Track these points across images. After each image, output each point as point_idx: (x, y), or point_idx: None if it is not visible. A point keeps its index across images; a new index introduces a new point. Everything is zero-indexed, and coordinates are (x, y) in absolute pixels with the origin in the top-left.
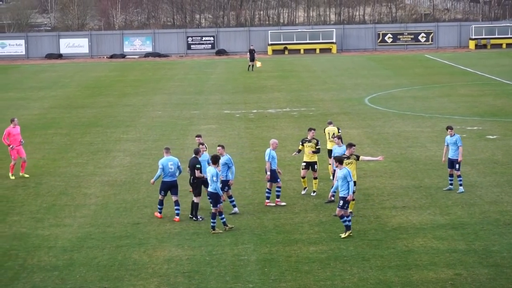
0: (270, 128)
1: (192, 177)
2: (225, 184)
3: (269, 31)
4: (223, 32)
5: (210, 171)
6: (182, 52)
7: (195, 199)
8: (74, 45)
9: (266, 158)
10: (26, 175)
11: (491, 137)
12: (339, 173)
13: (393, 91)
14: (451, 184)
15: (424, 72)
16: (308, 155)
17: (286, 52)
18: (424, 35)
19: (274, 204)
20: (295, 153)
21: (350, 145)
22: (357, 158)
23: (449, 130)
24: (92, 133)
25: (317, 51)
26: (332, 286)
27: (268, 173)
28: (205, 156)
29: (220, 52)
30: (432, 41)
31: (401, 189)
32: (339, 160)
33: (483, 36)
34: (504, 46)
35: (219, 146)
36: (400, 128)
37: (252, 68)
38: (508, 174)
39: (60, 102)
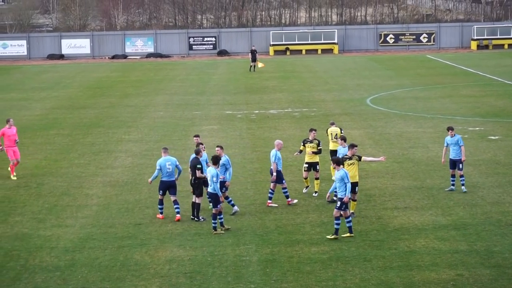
0: (271, 129)
1: (193, 178)
2: (222, 185)
3: (271, 32)
4: (225, 32)
5: (210, 172)
6: (184, 52)
7: (197, 200)
8: (76, 45)
9: (273, 159)
10: (14, 177)
11: (493, 137)
12: (337, 174)
13: (394, 92)
14: (453, 185)
15: (426, 73)
16: (309, 156)
17: (288, 53)
18: (426, 36)
19: (276, 205)
20: (296, 153)
21: (352, 146)
22: (359, 158)
23: (450, 131)
24: (94, 133)
25: (319, 51)
26: (334, 287)
27: (274, 174)
28: (204, 156)
29: (222, 53)
30: (434, 41)
31: (402, 189)
32: (337, 162)
33: (485, 37)
34: (506, 46)
35: (217, 146)
36: (402, 129)
37: (254, 68)
38: (510, 175)
39: (62, 103)
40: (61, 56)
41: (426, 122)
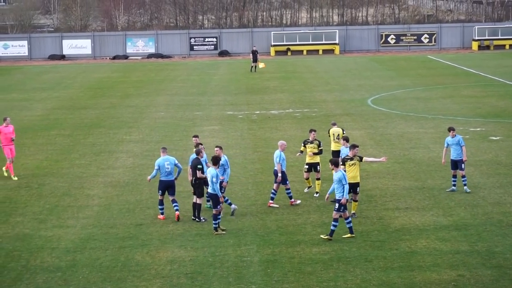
0: (273, 129)
1: (194, 178)
2: (220, 185)
3: (272, 32)
4: (226, 33)
5: (210, 172)
6: (185, 53)
7: (198, 200)
8: (77, 46)
9: (277, 160)
10: (6, 173)
11: (494, 138)
12: (335, 175)
13: (396, 92)
14: (454, 185)
15: (427, 73)
16: (309, 157)
17: (289, 53)
18: (427, 36)
19: (277, 206)
20: (298, 153)
21: (353, 146)
22: (360, 159)
23: (451, 131)
24: (95, 134)
25: (320, 52)
26: (335, 287)
27: (280, 174)
28: (203, 157)
29: (223, 53)
30: (435, 42)
31: (404, 190)
32: (335, 163)
33: (486, 37)
34: (507, 47)
35: (216, 147)
36: (403, 129)
37: (255, 69)
38: (511, 175)
39: (63, 103)
40: (62, 57)
41: (427, 122)
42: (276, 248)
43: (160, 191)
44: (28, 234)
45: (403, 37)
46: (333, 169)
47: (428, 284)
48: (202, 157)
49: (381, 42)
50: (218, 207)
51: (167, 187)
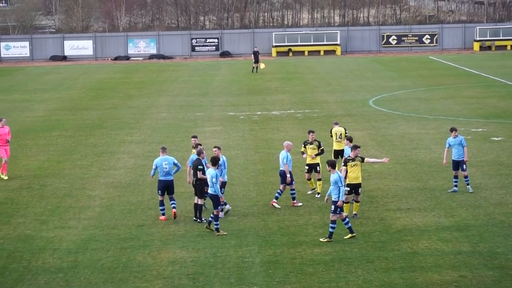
0: (274, 130)
1: (195, 178)
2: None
3: (273, 33)
4: (227, 34)
5: (209, 173)
6: (186, 54)
7: (199, 201)
8: (78, 47)
9: (284, 161)
10: (5, 177)
11: (495, 139)
12: (331, 177)
13: (397, 93)
14: (455, 186)
15: (428, 74)
16: (309, 158)
17: (290, 54)
18: (429, 37)
19: (279, 207)
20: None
21: (355, 147)
22: (362, 160)
23: (453, 132)
24: (96, 135)
25: (322, 53)
26: None
27: (288, 175)
28: None
29: (224, 54)
30: (436, 42)
31: (405, 191)
32: (332, 164)
33: (488, 38)
34: (508, 47)
35: (215, 147)
36: (405, 130)
37: (256, 70)
38: None
39: (64, 104)
40: (64, 58)
41: (428, 123)
42: (278, 249)
43: (159, 191)
44: (29, 235)
45: (404, 38)
46: (329, 171)
47: (430, 285)
48: (203, 158)
49: (383, 42)
50: (219, 207)
51: (167, 187)
